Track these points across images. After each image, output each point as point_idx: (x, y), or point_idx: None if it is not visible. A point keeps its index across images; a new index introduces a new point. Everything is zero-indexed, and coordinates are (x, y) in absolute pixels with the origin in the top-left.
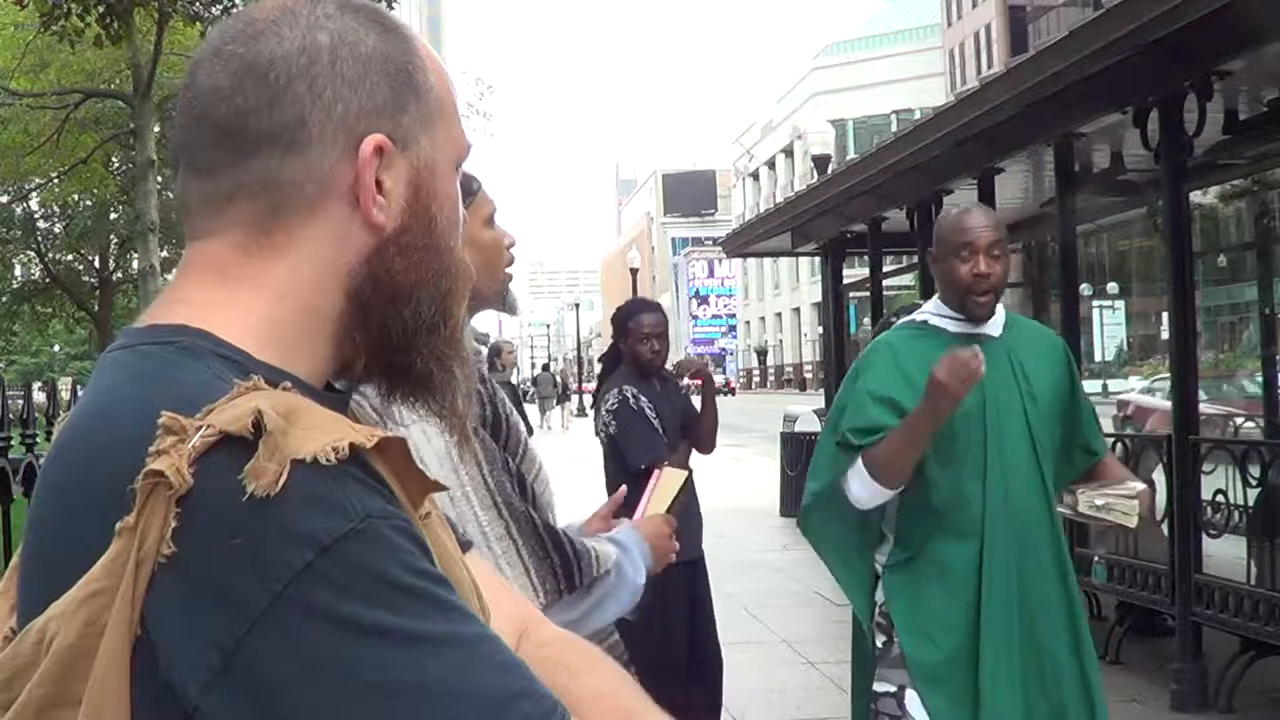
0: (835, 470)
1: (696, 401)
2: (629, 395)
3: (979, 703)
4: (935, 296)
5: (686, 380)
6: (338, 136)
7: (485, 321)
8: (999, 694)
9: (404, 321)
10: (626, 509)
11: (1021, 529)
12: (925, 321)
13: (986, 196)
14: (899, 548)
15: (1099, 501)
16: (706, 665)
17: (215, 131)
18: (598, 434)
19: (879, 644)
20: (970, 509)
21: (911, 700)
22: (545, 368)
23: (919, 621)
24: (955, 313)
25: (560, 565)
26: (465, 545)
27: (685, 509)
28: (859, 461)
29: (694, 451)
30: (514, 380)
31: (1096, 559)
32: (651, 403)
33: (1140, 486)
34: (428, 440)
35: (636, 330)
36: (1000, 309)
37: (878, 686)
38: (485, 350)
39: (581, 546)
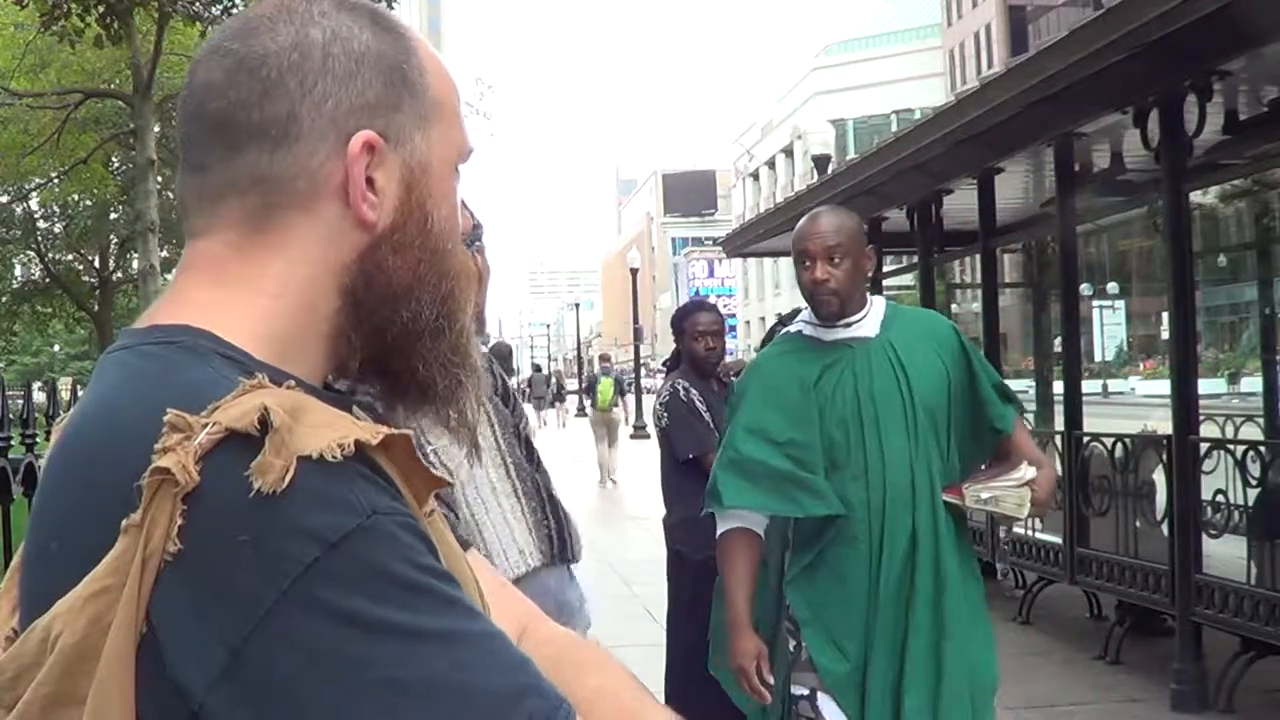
0: (710, 500)
1: None
2: (680, 389)
3: (898, 705)
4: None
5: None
6: (327, 132)
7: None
8: (874, 710)
9: (402, 323)
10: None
11: (907, 528)
12: (800, 332)
13: (986, 196)
14: (798, 556)
15: (984, 495)
16: None
17: (209, 127)
18: (656, 424)
19: (790, 647)
20: (855, 513)
21: (824, 703)
22: (537, 369)
23: (824, 631)
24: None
25: (555, 531)
26: (465, 545)
27: None
28: (720, 520)
29: None
30: (513, 383)
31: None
32: (704, 399)
33: (1029, 474)
34: None
35: (692, 329)
36: (879, 305)
37: (793, 689)
38: (488, 350)
39: (573, 525)
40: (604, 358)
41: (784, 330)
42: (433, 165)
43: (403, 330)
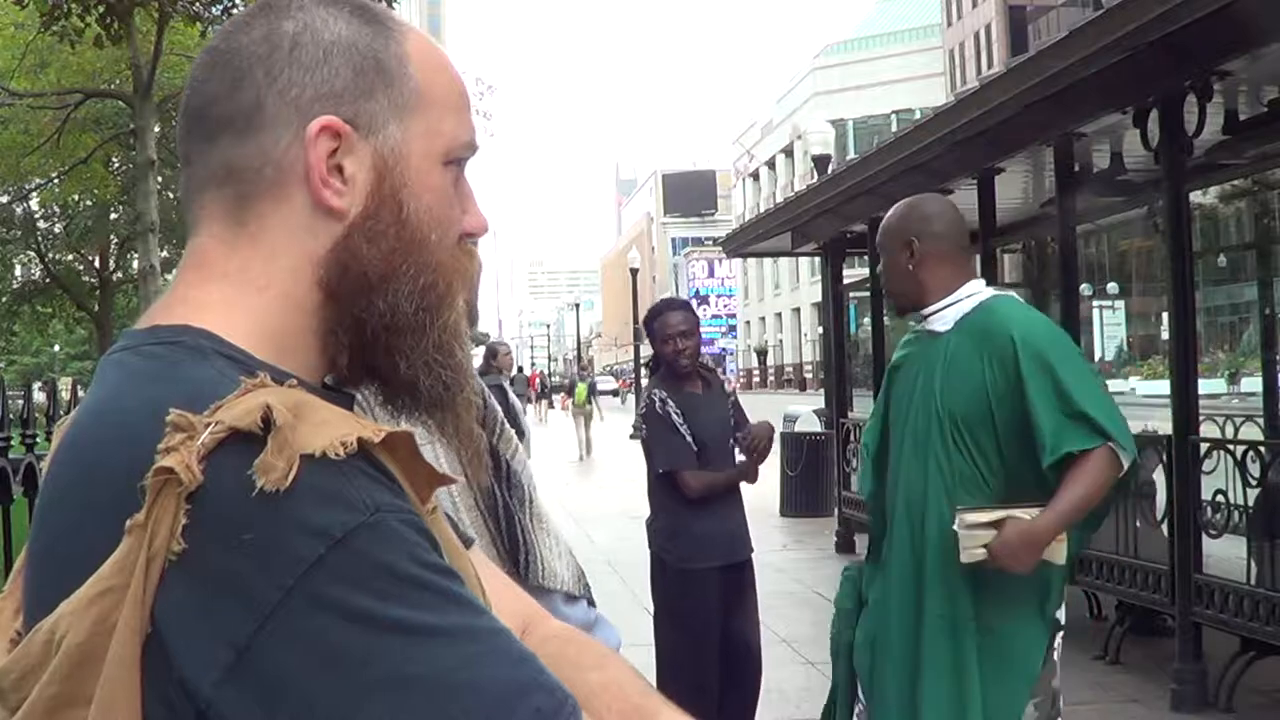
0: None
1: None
2: (656, 400)
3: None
4: None
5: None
6: (291, 119)
7: (485, 322)
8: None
9: (380, 316)
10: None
11: (910, 542)
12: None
13: (986, 196)
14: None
15: (957, 527)
16: (736, 662)
17: (190, 121)
18: (638, 433)
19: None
20: (885, 516)
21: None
22: (521, 370)
23: (865, 618)
24: None
25: (507, 550)
26: (467, 542)
27: (728, 514)
28: None
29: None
30: (507, 383)
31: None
32: (683, 408)
33: (1009, 514)
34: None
35: (661, 331)
36: (967, 303)
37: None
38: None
39: (531, 546)
40: (583, 366)
41: None
42: (410, 155)
43: (381, 323)
